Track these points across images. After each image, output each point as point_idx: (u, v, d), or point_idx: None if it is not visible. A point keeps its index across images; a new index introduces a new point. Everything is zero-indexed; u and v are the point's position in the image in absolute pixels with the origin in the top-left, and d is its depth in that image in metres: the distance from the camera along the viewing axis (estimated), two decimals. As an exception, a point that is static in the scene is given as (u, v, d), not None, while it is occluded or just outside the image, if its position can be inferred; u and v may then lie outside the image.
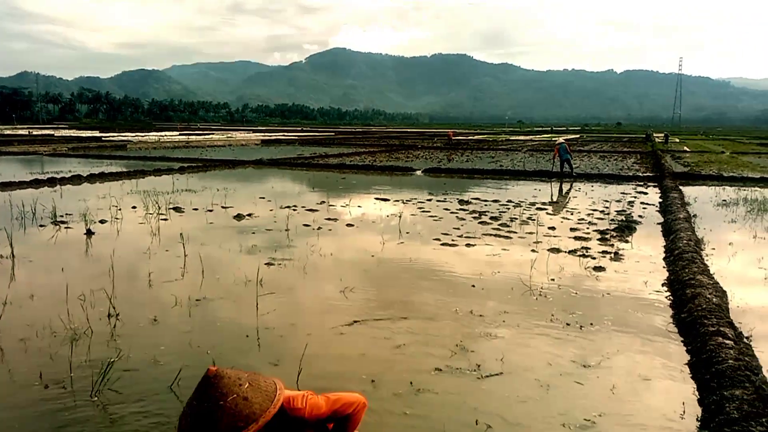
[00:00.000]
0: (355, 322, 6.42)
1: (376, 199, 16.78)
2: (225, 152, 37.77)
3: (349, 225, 12.49)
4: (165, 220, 12.78)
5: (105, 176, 21.35)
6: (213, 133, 75.10)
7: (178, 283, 8.01)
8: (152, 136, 61.71)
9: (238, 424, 2.16)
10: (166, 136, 62.09)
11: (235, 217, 13.22)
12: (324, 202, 15.92)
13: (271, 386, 2.37)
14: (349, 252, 10.04)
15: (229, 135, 69.48)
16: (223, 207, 14.60)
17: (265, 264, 8.92)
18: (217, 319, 6.57)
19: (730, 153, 41.94)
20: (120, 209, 13.82)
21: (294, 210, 14.30)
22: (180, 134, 68.84)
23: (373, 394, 4.72)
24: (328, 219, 13.12)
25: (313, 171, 25.96)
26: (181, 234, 10.73)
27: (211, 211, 14.04)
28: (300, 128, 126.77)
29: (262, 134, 76.16)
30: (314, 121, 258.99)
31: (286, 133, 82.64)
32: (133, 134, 66.88)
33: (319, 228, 12.03)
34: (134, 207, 14.31)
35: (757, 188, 20.16)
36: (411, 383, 4.93)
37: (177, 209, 14.14)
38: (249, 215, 13.44)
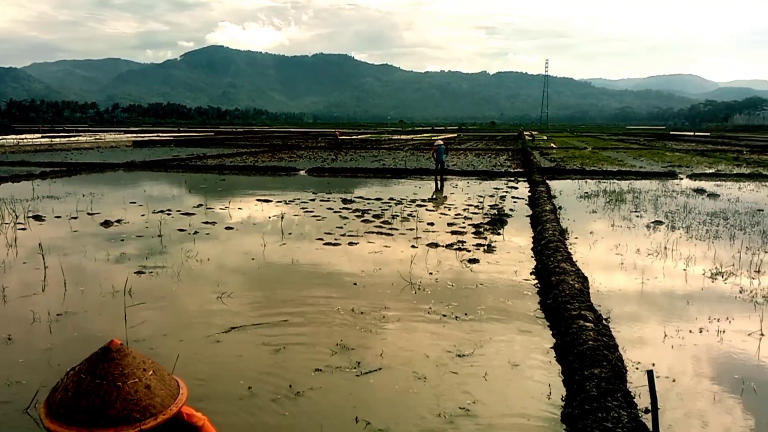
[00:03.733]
0: (233, 328, 6.22)
1: (258, 200, 16.43)
2: (93, 155, 35.36)
3: (228, 228, 12.11)
4: (23, 229, 11.72)
5: (-49, 184, 19.23)
6: (80, 135, 70.07)
7: (37, 297, 7.37)
8: (10, 139, 56.43)
9: (133, 414, 1.79)
10: (26, 138, 57.05)
11: (102, 224, 12.37)
12: (202, 205, 15.33)
13: (174, 383, 2.03)
14: (228, 256, 9.73)
15: (98, 137, 65.16)
16: (89, 214, 13.63)
17: (135, 273, 8.43)
18: (82, 334, 6.12)
19: (592, 149, 45.41)
20: (-32, 220, 12.50)
21: (168, 214, 13.65)
22: (42, 137, 63.54)
23: (249, 401, 4.61)
24: (206, 223, 12.64)
25: (190, 173, 24.95)
26: (40, 244, 9.88)
27: (75, 218, 13.05)
28: (176, 128, 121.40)
29: (135, 135, 72.16)
30: (192, 121, 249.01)
31: (160, 134, 78.83)
32: (-13, 137, 60.87)
33: (195, 232, 11.56)
34: (-15, 217, 13.00)
35: (614, 181, 21.96)
36: (290, 386, 4.85)
37: (37, 218, 13.02)
38: (118, 221, 12.65)
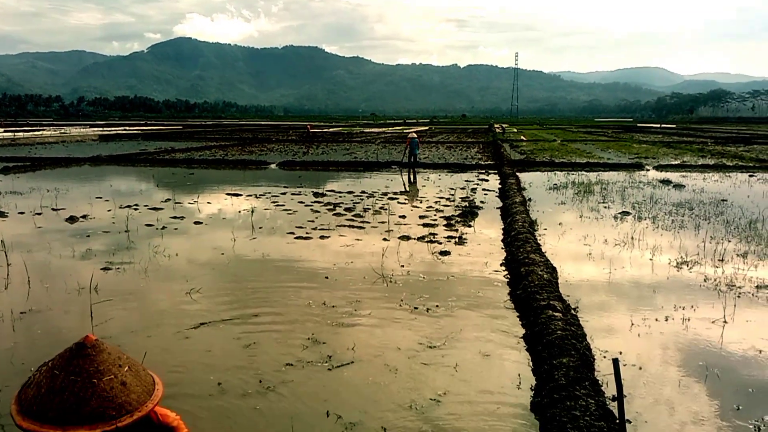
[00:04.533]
0: (202, 324, 6.14)
1: (228, 194, 16.24)
2: (58, 149, 34.50)
3: (197, 223, 11.95)
4: (-17, 226, 11.40)
5: None
6: (44, 129, 68.39)
7: (0, 295, 7.17)
8: (-31, 133, 54.80)
9: (108, 411, 1.77)
10: (-14, 133, 55.47)
11: (67, 219, 12.10)
12: (170, 199, 15.10)
13: (149, 379, 1.97)
14: (196, 251, 9.60)
15: (63, 130, 63.72)
16: (54, 209, 13.31)
17: (102, 269, 8.27)
18: (46, 333, 5.97)
19: (561, 141, 45.90)
20: (-75, 216, 12.10)
21: (136, 209, 13.41)
22: (5, 131, 61.83)
23: (219, 397, 4.56)
24: (174, 217, 12.46)
25: (158, 167, 24.51)
26: (2, 241, 9.63)
27: (39, 214, 12.73)
28: (144, 122, 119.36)
29: (101, 129, 70.78)
30: (160, 114, 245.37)
31: (127, 128, 77.40)
32: (-54, 131, 58.93)
33: (163, 227, 11.38)
34: (-56, 213, 12.61)
35: (583, 172, 22.23)
36: (260, 382, 4.81)
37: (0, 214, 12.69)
38: (84, 217, 12.38)
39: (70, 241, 10.22)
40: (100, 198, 15.20)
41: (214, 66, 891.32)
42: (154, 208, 13.58)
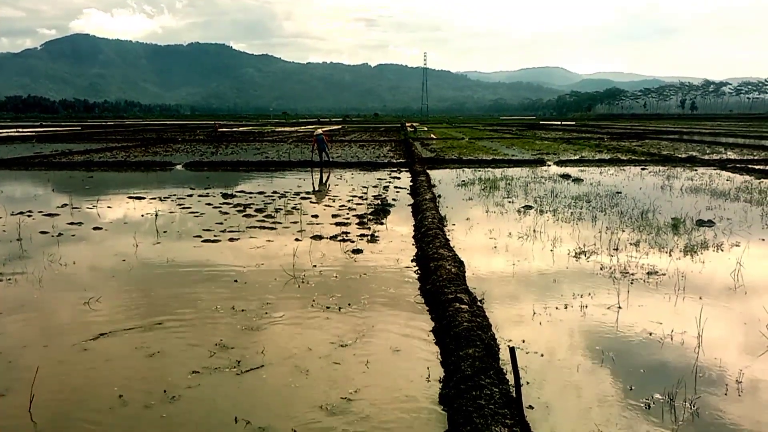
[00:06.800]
0: (102, 335, 5.84)
1: (130, 198, 15.54)
2: (-62, 153, 31.74)
3: (97, 228, 11.36)
4: None
5: None
6: None
7: None
8: None
9: None
10: None
11: (-51, 229, 11.17)
12: (67, 204, 14.25)
13: None
14: (96, 258, 9.13)
15: (-55, 133, 58.66)
16: (-67, 218, 12.25)
17: (-10, 281, 7.70)
18: (-76, 353, 5.48)
19: (469, 139, 47.19)
20: None
21: (29, 216, 12.57)
22: None
23: (121, 410, 4.37)
24: (72, 223, 11.77)
25: (54, 170, 23.10)
26: None
27: None
28: (39, 123, 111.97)
29: (-11, 131, 65.74)
30: (56, 115, 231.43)
31: (20, 130, 72.39)
32: None
33: (60, 234, 10.74)
34: None
35: (489, 169, 22.97)
36: (165, 391, 4.64)
37: None
38: (-31, 226, 11.47)
39: (-48, 252, 9.43)
40: (-12, 205, 14.13)
41: (114, 64, 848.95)
42: (50, 214, 12.78)
